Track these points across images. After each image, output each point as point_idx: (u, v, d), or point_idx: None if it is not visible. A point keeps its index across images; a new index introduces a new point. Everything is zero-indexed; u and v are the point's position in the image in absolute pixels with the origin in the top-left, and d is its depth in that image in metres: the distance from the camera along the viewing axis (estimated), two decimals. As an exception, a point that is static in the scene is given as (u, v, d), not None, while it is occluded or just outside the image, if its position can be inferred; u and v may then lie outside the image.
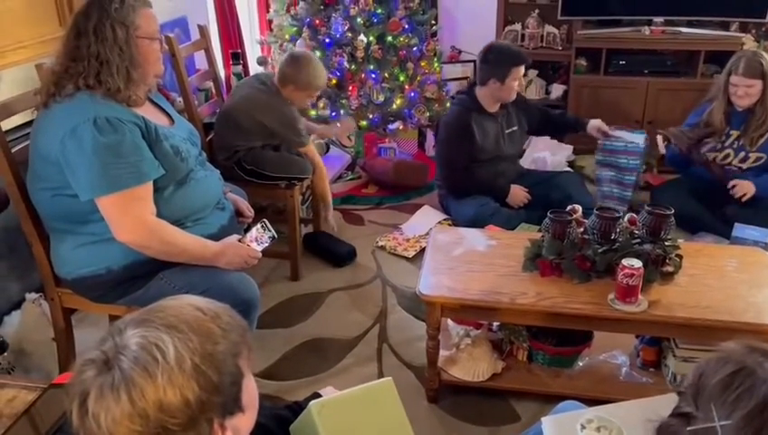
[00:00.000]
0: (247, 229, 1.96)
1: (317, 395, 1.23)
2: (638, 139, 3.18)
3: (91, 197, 1.61)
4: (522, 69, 2.99)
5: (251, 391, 0.89)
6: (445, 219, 3.25)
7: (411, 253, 3.05)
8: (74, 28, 1.65)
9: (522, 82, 3.10)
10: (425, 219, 3.29)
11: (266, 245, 1.92)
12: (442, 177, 3.24)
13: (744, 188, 2.92)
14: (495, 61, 2.97)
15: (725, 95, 2.96)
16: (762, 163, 2.98)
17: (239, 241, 1.84)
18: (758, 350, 0.81)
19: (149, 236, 1.68)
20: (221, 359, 0.82)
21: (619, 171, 3.27)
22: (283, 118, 2.67)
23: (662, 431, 0.80)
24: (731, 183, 2.95)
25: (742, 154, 3.00)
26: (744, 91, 2.90)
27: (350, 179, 3.86)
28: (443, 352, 2.15)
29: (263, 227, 1.93)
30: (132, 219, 1.65)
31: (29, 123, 1.96)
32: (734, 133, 3.01)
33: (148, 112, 1.77)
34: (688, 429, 0.76)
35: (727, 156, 3.04)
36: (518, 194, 3.05)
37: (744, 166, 3.01)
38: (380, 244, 3.14)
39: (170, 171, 1.72)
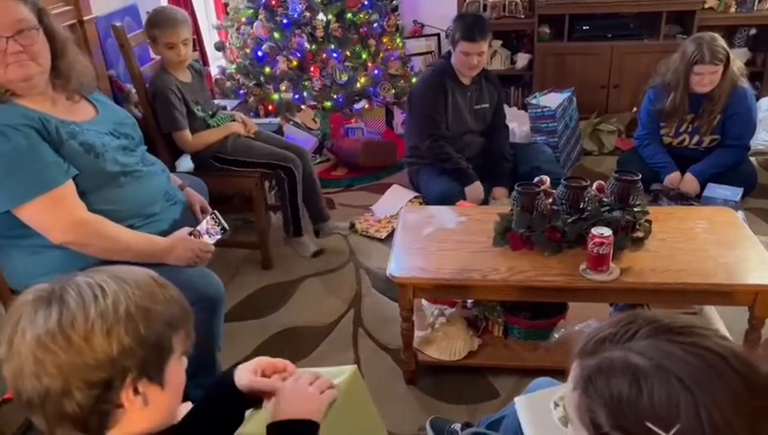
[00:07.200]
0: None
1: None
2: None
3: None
4: (471, 45, 2.82)
5: (178, 375, 0.91)
6: (415, 197, 3.21)
7: (384, 234, 3.01)
8: None
9: (475, 63, 2.89)
10: (395, 199, 3.24)
11: (218, 237, 1.84)
12: (414, 150, 3.13)
13: (688, 187, 2.96)
14: (454, 27, 2.91)
15: (686, 83, 2.89)
16: (717, 143, 3.01)
17: (189, 234, 1.77)
18: (611, 336, 0.74)
19: (86, 232, 1.59)
20: (155, 317, 0.85)
21: (547, 135, 3.51)
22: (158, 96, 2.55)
23: None
24: (673, 184, 3.01)
25: (696, 138, 3.01)
26: (710, 79, 2.85)
27: (319, 163, 3.80)
28: (418, 333, 2.13)
29: (213, 218, 1.86)
30: (63, 218, 1.56)
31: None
32: (688, 118, 3.00)
33: (60, 107, 1.64)
34: None
35: (683, 141, 3.06)
36: (474, 193, 2.91)
37: (701, 148, 3.03)
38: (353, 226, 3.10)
39: (85, 171, 1.61)
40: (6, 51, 1.48)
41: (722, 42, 2.85)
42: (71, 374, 0.79)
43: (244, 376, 1.05)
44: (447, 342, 2.10)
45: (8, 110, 1.53)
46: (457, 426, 1.78)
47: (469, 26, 2.83)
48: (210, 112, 2.72)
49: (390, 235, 2.96)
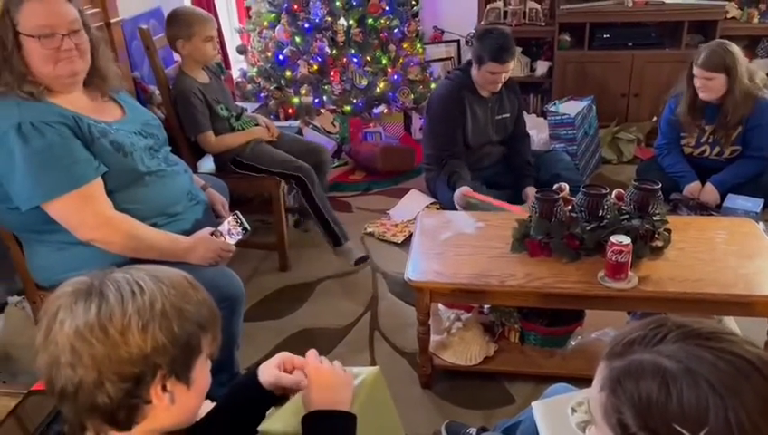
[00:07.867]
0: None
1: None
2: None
3: (29, 206, 1.56)
4: (500, 66, 2.79)
5: (203, 377, 0.93)
6: (432, 203, 3.22)
7: (400, 238, 3.02)
8: None
9: (502, 80, 2.88)
10: (413, 204, 3.26)
11: (240, 237, 1.87)
12: (431, 158, 3.11)
13: (708, 197, 2.95)
14: (479, 46, 2.82)
15: (691, 87, 2.89)
16: (738, 154, 2.99)
17: (211, 234, 1.79)
18: (638, 341, 0.74)
19: (113, 230, 1.62)
20: (187, 317, 0.87)
21: (566, 142, 3.51)
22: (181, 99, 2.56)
23: None
24: (693, 194, 2.99)
25: (717, 148, 2.99)
26: (703, 84, 2.82)
27: (337, 166, 3.83)
28: (434, 337, 2.14)
29: (235, 219, 1.88)
30: (90, 215, 1.59)
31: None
32: (709, 128, 2.97)
33: (91, 107, 1.69)
34: None
35: (704, 151, 3.04)
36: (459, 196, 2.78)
37: (722, 159, 3.01)
38: (369, 230, 3.11)
39: (114, 169, 1.64)
40: (61, 48, 1.56)
41: (732, 51, 2.79)
42: (105, 367, 0.82)
43: (268, 372, 1.06)
44: (463, 347, 2.11)
45: (43, 107, 1.57)
46: (473, 430, 1.78)
47: (499, 48, 2.75)
48: (235, 114, 2.75)
49: (407, 239, 2.96)
